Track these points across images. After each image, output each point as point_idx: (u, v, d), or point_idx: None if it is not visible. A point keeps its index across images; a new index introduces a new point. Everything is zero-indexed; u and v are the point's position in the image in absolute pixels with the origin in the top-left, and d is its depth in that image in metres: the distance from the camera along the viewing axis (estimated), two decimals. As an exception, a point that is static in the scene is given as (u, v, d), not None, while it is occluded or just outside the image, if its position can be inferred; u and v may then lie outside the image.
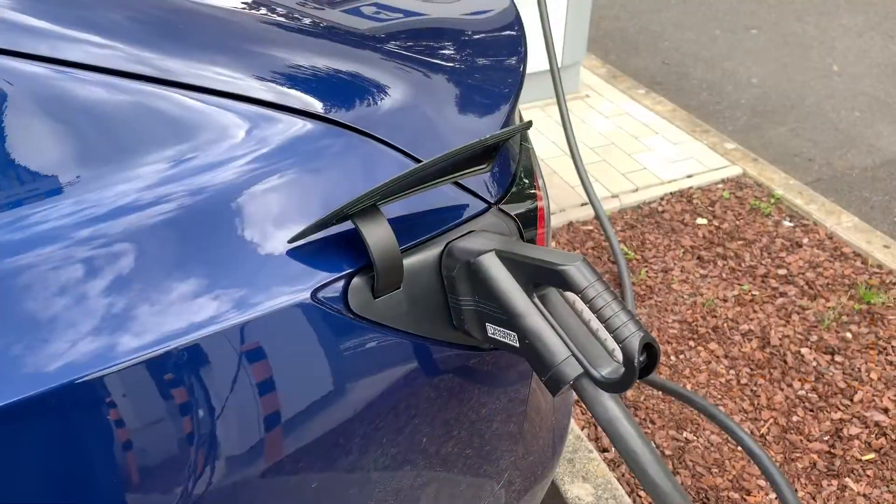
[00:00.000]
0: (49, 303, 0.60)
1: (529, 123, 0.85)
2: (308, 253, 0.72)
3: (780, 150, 3.11)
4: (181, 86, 0.71)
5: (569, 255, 0.68)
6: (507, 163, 0.94)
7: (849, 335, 2.08)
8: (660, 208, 2.62)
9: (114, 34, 0.73)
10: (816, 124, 3.33)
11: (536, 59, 3.12)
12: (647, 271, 2.33)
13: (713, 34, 4.32)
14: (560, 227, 2.52)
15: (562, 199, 2.64)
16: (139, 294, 0.63)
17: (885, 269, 2.30)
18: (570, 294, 0.72)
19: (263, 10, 0.98)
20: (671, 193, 2.68)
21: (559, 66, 3.23)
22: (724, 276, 2.31)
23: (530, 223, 0.93)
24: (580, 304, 0.70)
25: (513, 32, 1.35)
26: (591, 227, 2.52)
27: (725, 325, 2.12)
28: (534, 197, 0.97)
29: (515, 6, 1.41)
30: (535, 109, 3.25)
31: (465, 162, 0.79)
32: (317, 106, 0.77)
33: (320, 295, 0.71)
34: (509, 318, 0.72)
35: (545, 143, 2.98)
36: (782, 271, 2.31)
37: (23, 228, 0.61)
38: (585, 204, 2.59)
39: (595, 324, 0.69)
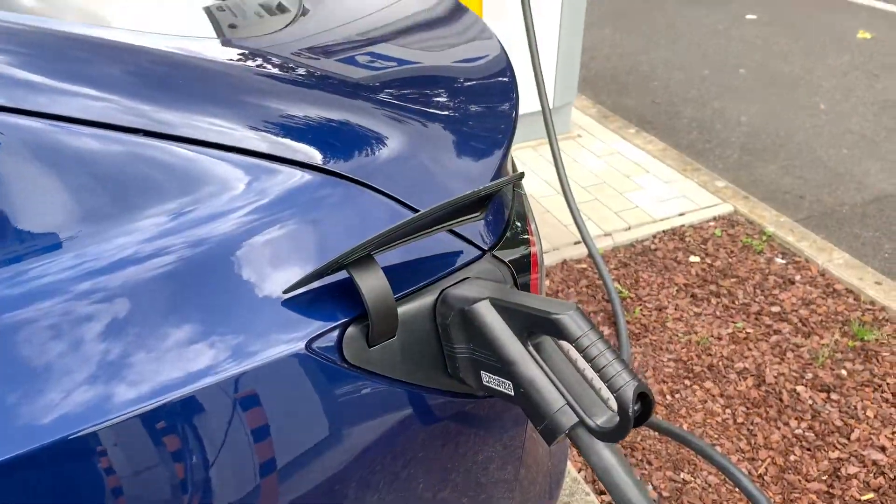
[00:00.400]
0: (48, 358, 0.60)
1: (521, 174, 0.87)
2: (303, 303, 0.72)
3: (771, 188, 3.15)
4: (181, 139, 0.73)
5: (563, 304, 0.69)
6: (501, 209, 0.95)
7: (844, 372, 2.08)
8: (652, 246, 2.64)
9: (112, 88, 0.75)
10: (806, 162, 3.38)
11: (528, 100, 3.17)
12: (641, 309, 2.33)
13: (702, 74, 4.40)
14: (554, 266, 2.53)
15: (555, 237, 2.65)
16: (138, 347, 0.63)
17: (878, 306, 2.32)
18: (564, 342, 0.72)
19: (259, 61, 1.00)
20: (663, 231, 2.70)
21: (551, 107, 3.28)
22: (717, 313, 2.31)
23: (524, 269, 0.94)
24: (574, 353, 0.70)
25: (505, 79, 1.37)
26: (584, 266, 2.54)
27: (720, 363, 2.12)
28: (527, 242, 0.98)
29: (506, 53, 1.44)
30: (527, 149, 3.28)
31: (459, 210, 0.80)
32: (314, 157, 0.79)
33: (315, 345, 0.71)
34: (504, 367, 0.72)
35: (538, 183, 3.01)
36: (776, 308, 2.32)
37: (22, 283, 0.62)
38: (579, 242, 2.61)
39: (589, 372, 0.69)
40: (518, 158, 3.21)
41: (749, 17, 5.42)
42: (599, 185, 3.00)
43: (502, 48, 1.44)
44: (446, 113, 1.09)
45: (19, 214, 0.64)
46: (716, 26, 5.21)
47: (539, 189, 2.97)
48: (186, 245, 0.68)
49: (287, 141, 0.79)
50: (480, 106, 1.20)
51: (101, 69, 0.77)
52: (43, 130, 0.68)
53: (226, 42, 0.97)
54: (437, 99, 1.14)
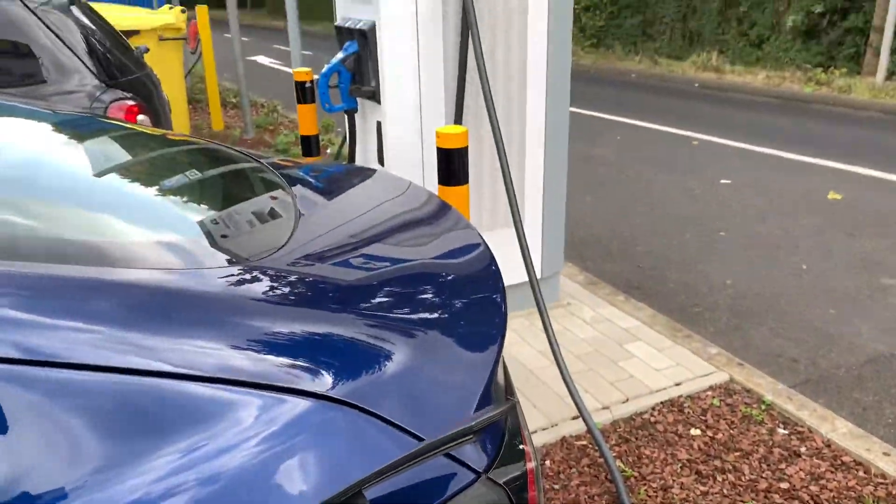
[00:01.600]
0: None
1: (514, 403, 0.87)
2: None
3: (764, 352, 3.15)
4: (186, 377, 0.73)
5: None
6: (496, 424, 0.94)
7: (866, 556, 1.96)
8: (652, 419, 2.58)
9: (112, 323, 0.76)
10: (795, 323, 3.41)
11: (518, 271, 3.24)
12: (646, 490, 2.24)
13: (683, 238, 4.55)
14: (553, 444, 2.46)
15: (553, 412, 2.60)
16: None
17: (890, 479, 2.23)
18: None
19: (256, 273, 1.02)
20: (661, 403, 2.66)
21: (539, 277, 3.36)
22: (725, 492, 2.22)
23: (521, 488, 0.91)
24: None
25: (491, 268, 1.41)
26: (584, 442, 2.47)
27: (734, 549, 2.00)
28: (522, 456, 0.96)
29: (486, 243, 1.49)
30: (519, 318, 3.31)
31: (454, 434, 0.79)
32: (316, 384, 0.79)
33: None
34: None
35: (531, 354, 3.00)
36: (784, 485, 2.23)
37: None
38: (577, 417, 2.56)
39: None
40: (510, 328, 3.23)
41: (723, 181, 5.70)
42: (592, 354, 2.99)
43: (485, 244, 1.49)
44: (439, 315, 1.11)
45: (20, 469, 0.63)
46: (692, 191, 5.46)
47: (533, 360, 2.95)
48: (198, 482, 0.67)
49: (288, 368, 0.79)
50: (470, 301, 1.22)
51: (97, 306, 0.79)
52: (44, 379, 0.68)
53: (226, 266, 1.00)
54: (430, 299, 1.16)
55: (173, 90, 5.52)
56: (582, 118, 8.24)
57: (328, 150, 6.51)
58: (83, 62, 3.14)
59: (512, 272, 3.21)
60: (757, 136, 7.24)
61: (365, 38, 2.83)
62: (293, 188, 1.64)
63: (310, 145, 3.69)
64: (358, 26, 2.84)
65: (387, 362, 0.90)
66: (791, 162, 6.22)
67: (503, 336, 1.15)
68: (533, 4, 2.88)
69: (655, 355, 2.97)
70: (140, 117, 3.20)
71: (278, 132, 7.47)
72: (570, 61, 3.07)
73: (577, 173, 5.93)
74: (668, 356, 2.96)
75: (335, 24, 3.10)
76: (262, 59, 15.03)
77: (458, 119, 2.89)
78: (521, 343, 3.09)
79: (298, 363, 0.83)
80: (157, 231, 1.20)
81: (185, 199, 1.44)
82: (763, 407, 2.62)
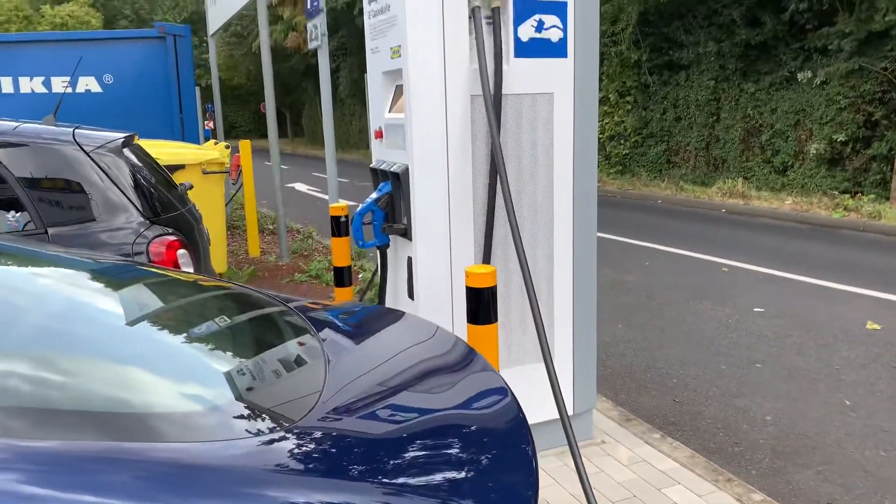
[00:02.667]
0: None
1: None
2: None
3: (812, 498, 2.97)
4: None
5: None
6: None
7: None
8: (695, 574, 2.41)
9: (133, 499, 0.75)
10: (843, 466, 3.23)
11: (548, 408, 3.16)
12: None
13: (719, 369, 4.43)
14: None
15: (587, 564, 2.44)
16: None
17: None
18: None
19: (282, 435, 1.01)
20: (704, 556, 2.49)
21: (570, 413, 3.27)
22: None
23: None
24: None
25: (518, 416, 1.38)
26: None
27: None
28: None
29: (512, 392, 1.47)
30: (551, 457, 3.19)
31: None
32: None
33: None
34: None
35: (564, 498, 2.87)
36: None
37: None
38: (613, 570, 2.40)
39: None
40: (542, 469, 3.11)
41: (756, 309, 5.62)
42: (629, 499, 2.85)
43: (512, 393, 1.47)
44: (467, 473, 1.08)
45: None
46: (726, 320, 5.38)
47: (566, 504, 2.82)
48: None
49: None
50: (500, 460, 1.19)
51: (111, 477, 0.78)
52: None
53: (251, 434, 1.00)
54: (459, 458, 1.14)
55: (213, 221, 5.74)
56: (609, 243, 8.31)
57: (360, 276, 6.62)
58: (130, 200, 3.31)
59: (543, 409, 3.13)
60: (787, 262, 7.20)
61: (398, 180, 2.95)
62: (321, 332, 1.66)
63: (342, 276, 3.78)
64: (392, 169, 2.97)
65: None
66: (825, 289, 6.13)
67: (536, 498, 1.12)
68: (558, 142, 2.99)
69: (696, 501, 2.82)
70: (180, 252, 3.32)
71: (313, 258, 7.65)
72: (595, 191, 3.14)
73: (607, 300, 5.91)
74: (709, 502, 2.80)
75: (371, 166, 3.25)
76: (300, 186, 15.67)
77: (487, 257, 2.94)
78: (554, 485, 2.97)
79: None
80: (183, 385, 1.22)
81: (213, 348, 1.46)
82: (816, 563, 2.44)
